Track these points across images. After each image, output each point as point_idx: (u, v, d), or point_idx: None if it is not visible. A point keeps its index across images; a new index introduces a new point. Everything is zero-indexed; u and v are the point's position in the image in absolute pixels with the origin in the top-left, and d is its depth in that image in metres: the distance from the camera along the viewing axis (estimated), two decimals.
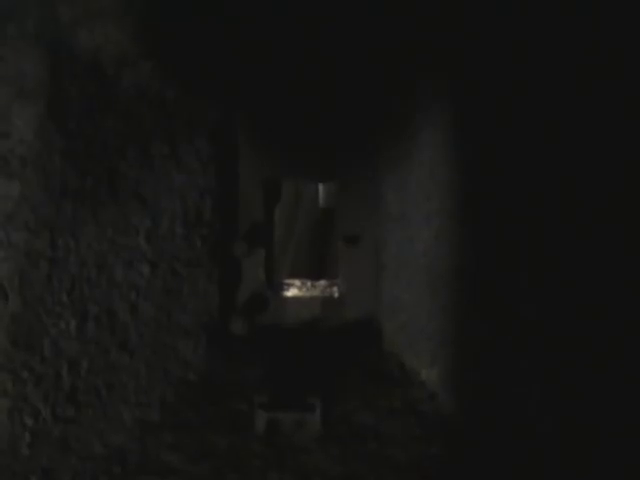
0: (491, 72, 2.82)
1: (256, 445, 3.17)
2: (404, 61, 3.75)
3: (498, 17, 2.74)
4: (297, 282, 4.14)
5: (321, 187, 6.03)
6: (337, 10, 3.52)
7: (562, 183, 2.20)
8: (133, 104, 3.22)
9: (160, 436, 3.21)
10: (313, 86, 3.84)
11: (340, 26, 3.63)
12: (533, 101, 2.41)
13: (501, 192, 2.70)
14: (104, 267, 3.07)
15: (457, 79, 3.29)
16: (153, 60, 3.23)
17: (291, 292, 4.02)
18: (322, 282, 4.16)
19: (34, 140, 2.73)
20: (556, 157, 2.23)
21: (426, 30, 3.57)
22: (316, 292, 4.05)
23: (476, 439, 2.95)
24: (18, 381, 2.75)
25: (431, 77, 3.58)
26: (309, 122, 3.90)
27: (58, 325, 2.89)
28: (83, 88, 2.95)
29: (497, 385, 2.76)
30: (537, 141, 2.37)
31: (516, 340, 2.56)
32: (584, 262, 2.08)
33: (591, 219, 2.04)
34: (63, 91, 2.84)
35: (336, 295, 3.97)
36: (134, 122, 3.25)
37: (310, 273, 4.62)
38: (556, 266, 2.25)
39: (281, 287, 4.03)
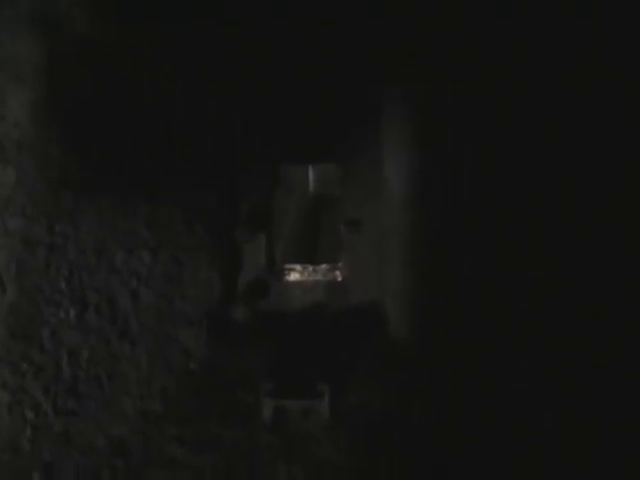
0: (491, 74, 2.81)
1: (263, 436, 3.10)
2: (404, 62, 3.76)
3: (498, 19, 2.74)
4: (298, 267, 4.06)
5: (320, 172, 5.95)
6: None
7: (562, 184, 2.23)
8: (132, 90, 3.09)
9: (163, 428, 3.13)
10: (314, 76, 3.77)
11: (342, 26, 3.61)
12: (533, 103, 2.43)
13: (501, 193, 2.70)
14: (103, 253, 2.95)
15: (457, 80, 3.28)
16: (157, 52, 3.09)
17: (292, 277, 3.94)
18: (323, 266, 4.09)
19: (29, 125, 2.60)
20: (556, 159, 2.26)
21: (426, 32, 3.58)
22: (318, 276, 3.97)
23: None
24: (17, 373, 2.63)
25: (430, 78, 3.58)
26: (310, 108, 3.83)
27: (57, 314, 2.77)
28: (81, 72, 2.81)
29: (498, 383, 2.77)
30: (537, 143, 2.40)
31: (516, 339, 2.57)
32: (584, 261, 2.10)
33: (591, 218, 2.07)
34: (60, 75, 2.70)
35: (339, 279, 3.89)
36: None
37: (309, 258, 4.54)
38: (556, 264, 2.27)
39: (282, 272, 3.94)
